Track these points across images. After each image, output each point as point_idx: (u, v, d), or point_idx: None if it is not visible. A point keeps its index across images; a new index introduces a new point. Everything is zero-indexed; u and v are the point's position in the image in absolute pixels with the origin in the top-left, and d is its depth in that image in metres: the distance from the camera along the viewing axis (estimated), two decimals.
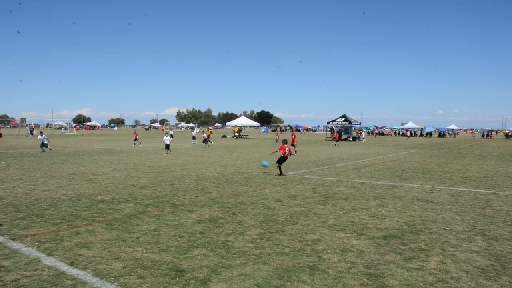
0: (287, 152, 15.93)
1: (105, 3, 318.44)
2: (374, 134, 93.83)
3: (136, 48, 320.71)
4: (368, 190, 12.50)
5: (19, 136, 60.57)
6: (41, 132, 28.02)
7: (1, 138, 35.25)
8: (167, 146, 26.28)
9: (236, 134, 61.06)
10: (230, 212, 9.03)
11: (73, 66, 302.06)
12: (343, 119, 58.77)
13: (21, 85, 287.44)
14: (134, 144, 35.34)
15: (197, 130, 38.15)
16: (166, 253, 6.02)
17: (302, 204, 10.10)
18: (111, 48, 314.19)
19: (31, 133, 58.16)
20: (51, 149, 26.59)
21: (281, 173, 15.70)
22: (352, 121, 59.52)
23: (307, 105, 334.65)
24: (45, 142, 26.08)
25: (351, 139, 56.81)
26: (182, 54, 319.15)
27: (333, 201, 10.57)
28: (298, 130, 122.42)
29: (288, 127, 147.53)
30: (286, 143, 16.39)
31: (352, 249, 6.36)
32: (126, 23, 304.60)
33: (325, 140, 49.62)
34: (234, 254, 6.05)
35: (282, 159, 15.92)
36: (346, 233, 7.34)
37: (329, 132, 50.13)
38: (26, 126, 70.04)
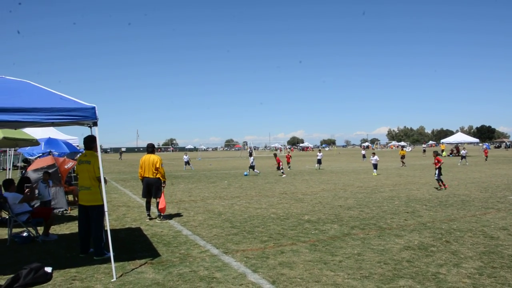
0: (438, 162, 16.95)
1: None
2: None
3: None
4: None
5: (241, 157, 67.59)
6: (250, 154, 28.62)
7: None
8: (375, 166, 25.70)
9: (445, 153, 56.45)
10: (443, 239, 8.09)
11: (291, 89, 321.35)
12: None
13: (244, 112, 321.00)
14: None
15: (252, 156, 29.56)
16: (368, 281, 5.65)
17: None
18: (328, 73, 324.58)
19: (250, 155, 64.41)
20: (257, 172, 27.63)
21: (442, 186, 16.66)
22: None
23: None
24: (253, 164, 27.70)
25: None
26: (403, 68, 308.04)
27: None
28: None
29: None
30: (437, 154, 17.33)
31: None
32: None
33: None
34: None
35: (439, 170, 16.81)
36: None
37: None
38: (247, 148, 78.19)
